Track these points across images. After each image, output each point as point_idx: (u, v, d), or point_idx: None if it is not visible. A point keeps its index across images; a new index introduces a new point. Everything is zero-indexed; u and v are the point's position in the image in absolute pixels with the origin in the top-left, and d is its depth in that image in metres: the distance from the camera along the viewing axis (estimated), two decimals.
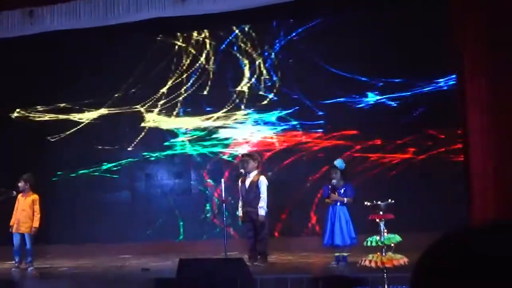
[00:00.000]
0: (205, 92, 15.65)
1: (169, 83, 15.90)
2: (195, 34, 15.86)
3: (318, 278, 9.95)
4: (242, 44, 15.60)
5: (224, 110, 15.53)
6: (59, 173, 16.36)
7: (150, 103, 15.94)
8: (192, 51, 15.86)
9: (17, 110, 16.58)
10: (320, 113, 14.85)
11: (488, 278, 1.04)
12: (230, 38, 15.70)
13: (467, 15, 10.95)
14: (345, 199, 11.23)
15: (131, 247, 15.13)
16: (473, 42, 10.85)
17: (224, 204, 11.41)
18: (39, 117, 16.56)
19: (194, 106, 15.74)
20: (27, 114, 16.60)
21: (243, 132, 15.43)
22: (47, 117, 16.53)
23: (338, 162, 11.37)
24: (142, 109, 15.98)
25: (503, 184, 10.60)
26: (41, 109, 16.52)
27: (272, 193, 14.55)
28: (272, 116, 15.24)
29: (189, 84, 15.84)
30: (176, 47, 15.97)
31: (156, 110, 15.92)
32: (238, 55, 15.61)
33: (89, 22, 12.65)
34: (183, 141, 15.79)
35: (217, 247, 12.83)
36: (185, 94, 15.84)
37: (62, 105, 16.37)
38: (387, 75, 14.38)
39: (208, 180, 15.60)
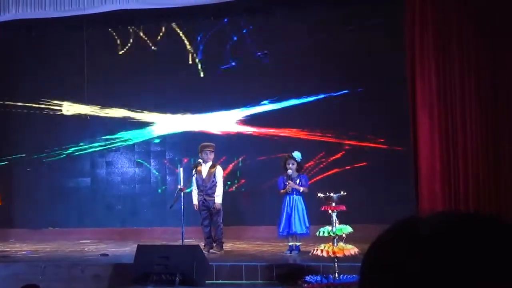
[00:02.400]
0: (168, 85, 15.79)
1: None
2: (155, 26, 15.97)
3: (272, 265, 10.22)
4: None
5: (190, 101, 15.71)
6: (15, 156, 16.41)
7: (115, 95, 16.05)
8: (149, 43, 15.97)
9: None
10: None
11: (433, 266, 1.05)
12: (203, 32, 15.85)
13: (417, 16, 11.24)
14: (301, 188, 11.45)
15: (91, 233, 15.29)
16: (422, 44, 11.15)
17: (182, 192, 11.61)
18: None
19: (156, 97, 15.88)
20: None
21: (201, 122, 15.61)
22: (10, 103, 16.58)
23: (296, 154, 11.57)
24: (102, 99, 16.09)
25: (450, 181, 10.94)
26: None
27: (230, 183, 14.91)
28: (232, 107, 15.46)
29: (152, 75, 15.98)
30: (139, 39, 16.09)
31: (119, 102, 16.03)
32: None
33: (53, 12, 12.73)
34: (145, 130, 15.94)
35: (174, 234, 13.07)
36: (148, 86, 15.98)
37: (24, 92, 16.42)
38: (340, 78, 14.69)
39: (167, 168, 15.80)
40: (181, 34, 15.82)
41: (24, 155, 16.42)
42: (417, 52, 11.13)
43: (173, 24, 15.82)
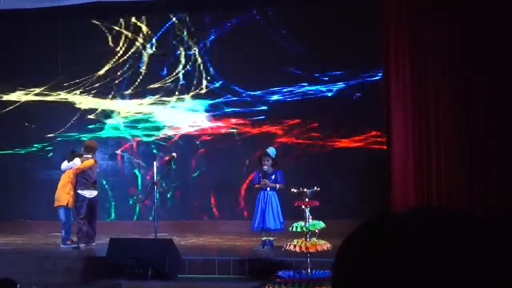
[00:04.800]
0: (140, 77, 15.78)
1: (106, 67, 15.97)
2: (132, 19, 15.95)
3: (245, 260, 10.25)
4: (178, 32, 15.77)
5: (158, 95, 15.70)
6: None
7: (86, 85, 15.99)
8: (129, 36, 15.94)
9: None
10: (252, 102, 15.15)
11: (405, 261, 1.05)
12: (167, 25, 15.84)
13: (393, 12, 11.32)
14: (277, 185, 11.50)
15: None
16: (397, 38, 11.22)
17: (155, 186, 11.59)
18: None
19: (129, 90, 15.87)
20: None
21: (176, 117, 15.62)
22: None
23: (270, 150, 11.61)
24: (78, 91, 16.03)
25: (422, 177, 11.03)
26: None
27: (204, 177, 14.94)
28: (206, 103, 15.47)
29: (125, 68, 15.94)
30: (114, 32, 16.05)
31: (92, 93, 15.98)
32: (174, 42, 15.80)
33: (31, 3, 12.66)
34: (117, 123, 15.91)
35: (147, 228, 13.04)
36: (121, 78, 15.94)
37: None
38: (322, 67, 14.74)
39: (140, 162, 15.77)
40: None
41: None
42: (391, 51, 11.20)
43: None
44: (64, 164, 12.72)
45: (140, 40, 15.92)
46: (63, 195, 12.44)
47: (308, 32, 14.70)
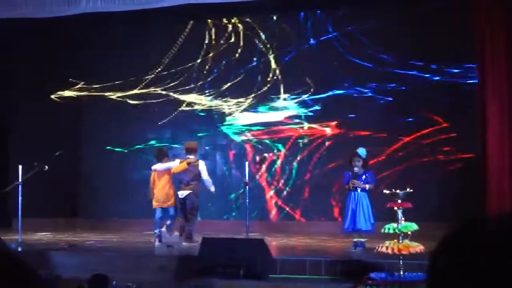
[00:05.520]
0: (236, 79, 15.92)
1: (206, 67, 16.19)
2: (224, 20, 16.11)
3: (336, 261, 10.21)
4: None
5: (252, 96, 15.79)
6: (84, 147, 16.74)
7: (180, 87, 16.24)
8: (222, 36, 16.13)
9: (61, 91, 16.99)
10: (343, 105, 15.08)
11: (504, 267, 1.04)
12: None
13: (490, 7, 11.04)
14: (367, 186, 11.44)
15: None
16: (495, 32, 10.93)
17: (247, 186, 11.65)
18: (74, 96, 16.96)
19: (222, 91, 16.03)
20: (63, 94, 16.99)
21: (269, 118, 15.68)
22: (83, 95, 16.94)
23: (361, 151, 11.55)
24: (171, 93, 16.30)
25: None
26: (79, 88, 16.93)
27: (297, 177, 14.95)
28: (298, 105, 15.47)
29: (223, 67, 16.13)
30: (207, 32, 16.26)
31: (188, 94, 16.23)
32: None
33: (123, 5, 12.94)
34: (214, 123, 16.11)
35: (238, 227, 13.16)
36: (211, 77, 16.13)
37: (97, 86, 16.77)
38: (413, 65, 14.56)
39: (233, 163, 15.90)
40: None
41: (93, 146, 16.73)
42: (486, 50, 10.92)
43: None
44: (159, 165, 12.95)
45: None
46: (165, 196, 12.77)
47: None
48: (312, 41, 15.47)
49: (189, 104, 16.25)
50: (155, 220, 12.84)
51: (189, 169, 12.54)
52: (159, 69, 16.28)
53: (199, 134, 16.09)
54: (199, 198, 12.86)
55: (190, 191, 12.54)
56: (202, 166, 12.67)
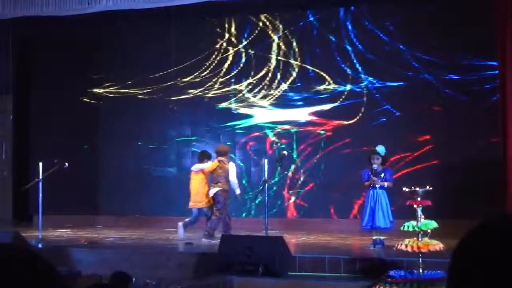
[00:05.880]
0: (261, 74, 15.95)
1: (225, 65, 16.22)
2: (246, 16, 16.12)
3: (355, 259, 10.20)
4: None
5: (272, 90, 15.80)
6: (103, 144, 16.82)
7: (201, 84, 16.30)
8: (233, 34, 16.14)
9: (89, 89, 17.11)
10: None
11: None
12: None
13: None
14: (386, 184, 11.42)
15: (175, 221, 15.51)
16: None
17: (266, 184, 11.66)
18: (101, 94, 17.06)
19: (243, 85, 16.06)
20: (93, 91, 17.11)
21: (289, 115, 15.68)
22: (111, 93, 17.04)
23: (379, 148, 11.52)
24: (192, 90, 16.36)
25: None
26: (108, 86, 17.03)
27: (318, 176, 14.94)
28: (317, 101, 15.46)
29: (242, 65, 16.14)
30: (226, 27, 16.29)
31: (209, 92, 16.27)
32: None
33: (143, 3, 13.01)
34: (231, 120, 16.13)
35: (257, 225, 13.19)
36: (231, 74, 16.16)
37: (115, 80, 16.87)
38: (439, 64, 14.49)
39: (251, 160, 15.91)
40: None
41: (112, 143, 16.81)
42: (507, 46, 10.87)
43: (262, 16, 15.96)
44: (195, 166, 13.41)
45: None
46: (198, 196, 13.11)
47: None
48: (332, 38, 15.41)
49: (211, 100, 16.25)
50: (191, 220, 13.24)
51: (219, 169, 12.86)
52: (181, 66, 16.29)
53: (219, 131, 16.13)
54: (229, 197, 13.21)
55: (219, 189, 12.73)
56: (231, 166, 13.03)
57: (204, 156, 13.40)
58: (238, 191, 13.05)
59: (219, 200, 12.74)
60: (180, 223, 13.12)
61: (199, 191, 13.09)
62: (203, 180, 13.15)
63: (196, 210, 13.22)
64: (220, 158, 13.01)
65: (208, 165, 13.06)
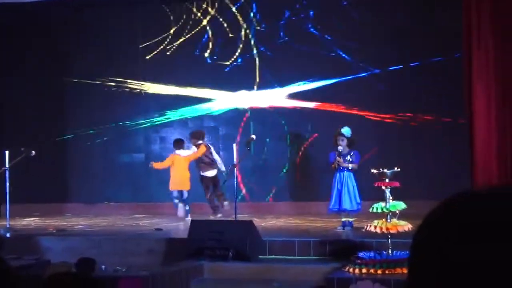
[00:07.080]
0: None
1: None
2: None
3: (325, 241, 10.24)
4: None
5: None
6: (71, 132, 16.68)
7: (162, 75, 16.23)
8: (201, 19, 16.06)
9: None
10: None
11: (488, 242, 1.00)
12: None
13: None
14: (350, 166, 11.44)
15: (144, 208, 15.48)
16: (480, 11, 10.89)
17: (235, 168, 11.65)
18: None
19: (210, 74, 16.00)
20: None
21: (253, 98, 15.67)
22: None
23: (345, 130, 11.53)
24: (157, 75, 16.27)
25: (506, 158, 10.73)
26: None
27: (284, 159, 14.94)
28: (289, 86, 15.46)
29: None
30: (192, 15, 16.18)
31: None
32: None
33: None
34: (196, 106, 16.06)
35: (227, 210, 13.21)
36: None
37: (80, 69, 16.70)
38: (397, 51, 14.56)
39: (220, 144, 15.86)
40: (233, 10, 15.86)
41: (79, 130, 16.66)
42: (473, 22, 10.87)
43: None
44: (182, 151, 14.10)
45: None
46: (186, 180, 13.89)
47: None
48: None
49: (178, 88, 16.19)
50: (173, 201, 14.07)
51: (208, 152, 13.83)
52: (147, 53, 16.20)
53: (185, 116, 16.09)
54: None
55: (217, 170, 13.86)
56: (213, 149, 14.14)
57: (182, 143, 14.22)
58: (223, 168, 13.77)
59: (215, 181, 13.88)
60: (180, 204, 13.89)
61: (184, 175, 13.83)
62: (187, 166, 13.91)
63: (176, 192, 13.96)
64: (200, 141, 13.83)
65: (195, 150, 13.92)
